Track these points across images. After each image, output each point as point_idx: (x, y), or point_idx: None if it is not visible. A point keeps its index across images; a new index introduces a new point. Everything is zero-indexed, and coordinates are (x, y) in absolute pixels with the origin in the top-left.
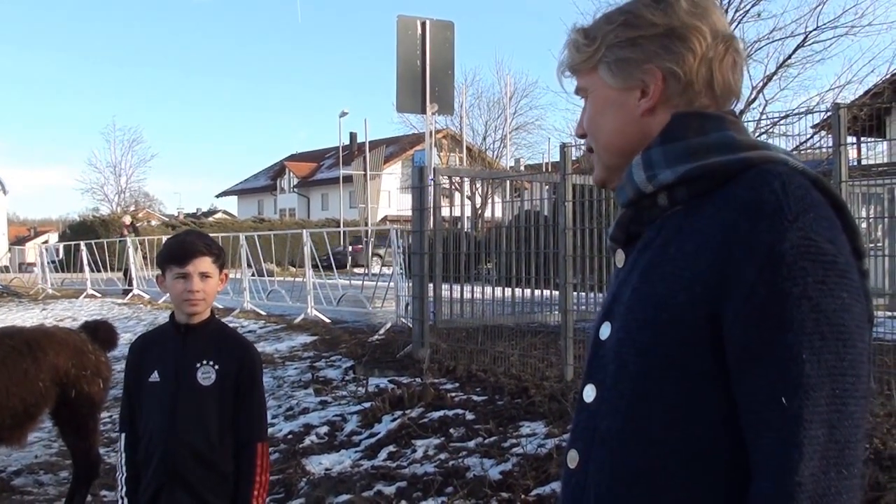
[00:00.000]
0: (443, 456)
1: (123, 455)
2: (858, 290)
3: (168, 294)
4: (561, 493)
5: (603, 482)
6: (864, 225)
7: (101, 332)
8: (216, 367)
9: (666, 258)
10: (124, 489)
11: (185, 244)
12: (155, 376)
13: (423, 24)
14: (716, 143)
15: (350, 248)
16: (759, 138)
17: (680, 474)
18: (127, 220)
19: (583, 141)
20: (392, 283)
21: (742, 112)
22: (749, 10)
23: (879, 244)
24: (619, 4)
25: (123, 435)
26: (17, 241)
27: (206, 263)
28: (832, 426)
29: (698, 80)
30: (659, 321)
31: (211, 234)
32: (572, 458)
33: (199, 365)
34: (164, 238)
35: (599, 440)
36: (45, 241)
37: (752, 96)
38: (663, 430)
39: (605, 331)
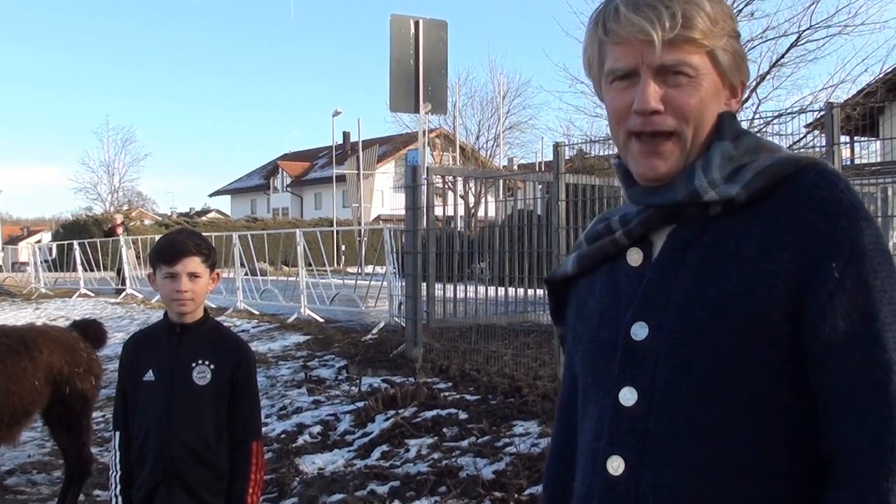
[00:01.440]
0: (436, 455)
1: (117, 453)
2: None
3: (159, 293)
4: (599, 502)
5: (665, 484)
6: None
7: (91, 331)
8: (211, 366)
9: (727, 257)
10: (118, 488)
11: (174, 244)
12: (150, 375)
13: (417, 24)
14: (750, 146)
15: None
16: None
17: (749, 469)
18: (118, 218)
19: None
20: (385, 283)
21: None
22: (742, 9)
23: None
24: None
25: (117, 433)
26: (10, 241)
27: (194, 263)
28: None
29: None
30: (731, 319)
31: (204, 234)
32: (615, 466)
33: (194, 364)
34: (157, 237)
35: (656, 443)
36: (39, 241)
37: (746, 95)
38: (733, 427)
39: (641, 332)
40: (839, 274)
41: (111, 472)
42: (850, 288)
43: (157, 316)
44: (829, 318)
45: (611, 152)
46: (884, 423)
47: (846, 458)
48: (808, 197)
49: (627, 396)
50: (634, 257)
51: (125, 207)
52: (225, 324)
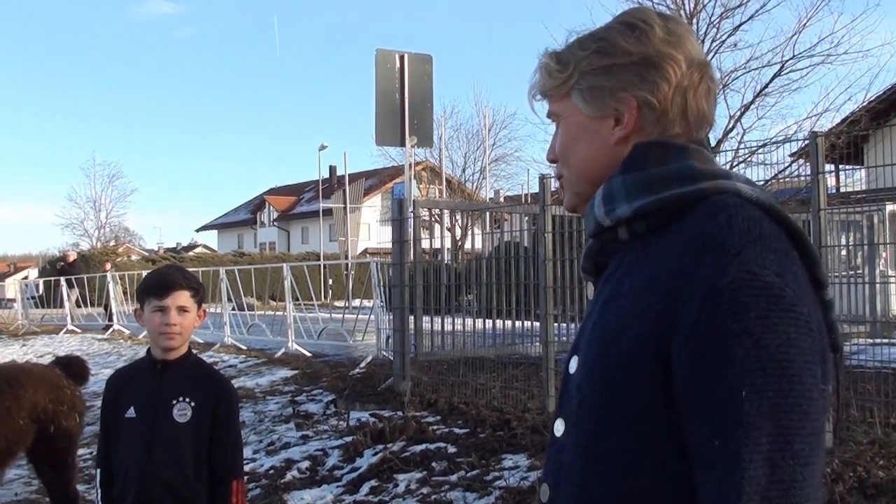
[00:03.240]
0: (425, 490)
1: (99, 491)
2: (808, 324)
3: (146, 327)
4: None
5: None
6: (843, 252)
7: (73, 368)
8: (192, 403)
9: (621, 292)
10: None
11: (164, 277)
12: (131, 412)
13: (402, 58)
14: (676, 174)
15: None
16: (724, 167)
17: None
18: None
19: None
20: (373, 316)
21: (720, 141)
22: (725, 40)
23: (859, 271)
24: (592, 30)
25: (99, 471)
26: None
27: (184, 297)
28: (774, 465)
29: (672, 109)
30: (611, 355)
31: (191, 269)
32: (544, 492)
33: (175, 402)
34: (144, 273)
35: (565, 474)
36: (25, 277)
37: (730, 125)
38: (620, 466)
39: (573, 365)
40: (694, 316)
41: None
42: (704, 332)
43: (143, 352)
44: (685, 364)
45: None
46: (729, 482)
47: None
48: (685, 232)
49: (558, 427)
50: (590, 291)
51: (112, 243)
52: (212, 359)
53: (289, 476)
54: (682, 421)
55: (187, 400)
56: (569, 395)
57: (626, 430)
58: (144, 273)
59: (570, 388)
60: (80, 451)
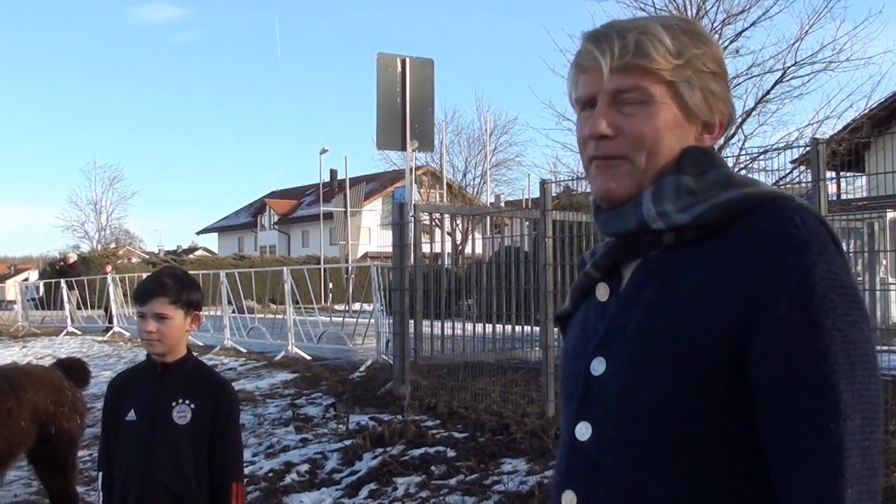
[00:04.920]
0: (424, 494)
1: (100, 494)
2: (869, 322)
3: None
4: None
5: None
6: None
7: (74, 370)
8: (192, 405)
9: (678, 292)
10: None
11: (144, 284)
12: (132, 415)
13: (403, 62)
14: (716, 181)
15: None
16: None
17: None
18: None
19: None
20: (373, 320)
21: (721, 147)
22: (727, 46)
23: (860, 278)
24: (693, 30)
25: (100, 474)
26: None
27: (161, 304)
28: (864, 455)
29: (730, 124)
30: (676, 355)
31: (191, 272)
32: (569, 500)
33: (174, 404)
34: (144, 275)
35: (604, 478)
36: (26, 279)
37: (732, 132)
38: (679, 466)
39: (599, 367)
40: (785, 312)
41: None
42: (795, 327)
43: (143, 354)
44: (774, 358)
45: None
46: (831, 471)
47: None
48: (759, 232)
49: (582, 431)
50: (601, 292)
51: (112, 245)
52: (212, 362)
53: (288, 479)
54: (764, 415)
55: (187, 402)
56: (597, 398)
57: (688, 428)
58: (144, 276)
59: (600, 391)
60: (80, 453)
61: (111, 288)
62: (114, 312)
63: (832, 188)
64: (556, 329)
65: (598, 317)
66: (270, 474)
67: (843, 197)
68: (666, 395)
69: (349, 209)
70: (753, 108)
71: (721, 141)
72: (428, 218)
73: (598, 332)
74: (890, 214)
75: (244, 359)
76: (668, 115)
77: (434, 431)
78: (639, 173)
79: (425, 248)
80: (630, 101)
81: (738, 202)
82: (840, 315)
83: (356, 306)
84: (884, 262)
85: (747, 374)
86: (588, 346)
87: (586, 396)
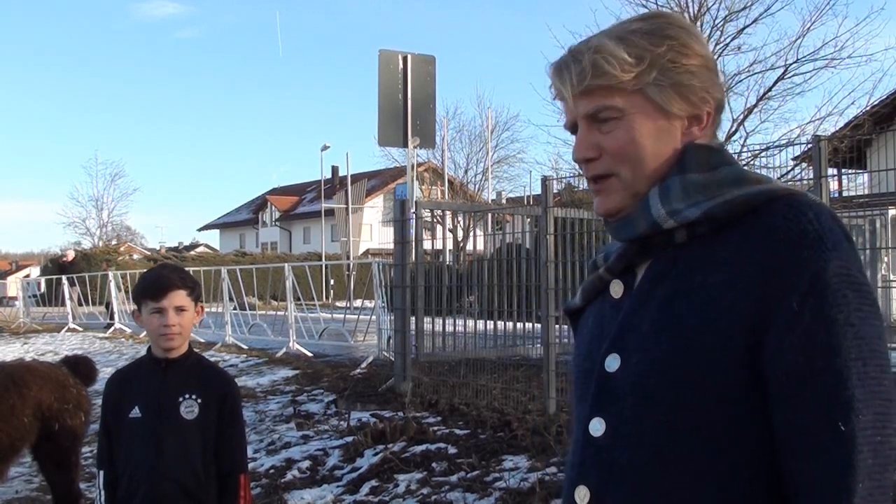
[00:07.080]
0: (425, 490)
1: (103, 493)
2: (882, 319)
3: (145, 329)
4: None
5: None
6: None
7: (81, 367)
8: (199, 400)
9: (693, 288)
10: None
11: (159, 278)
12: (136, 412)
13: (405, 59)
14: (728, 177)
15: None
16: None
17: (710, 501)
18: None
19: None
20: (374, 317)
21: (723, 144)
22: (729, 43)
23: None
24: (655, 27)
25: (102, 472)
26: None
27: (181, 297)
28: (876, 450)
29: (721, 110)
30: (693, 351)
31: (193, 269)
32: (582, 496)
33: (181, 399)
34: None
35: (619, 474)
36: (27, 275)
37: (734, 129)
38: (695, 461)
39: (614, 363)
40: (798, 307)
41: None
42: (809, 322)
43: (144, 350)
44: (788, 354)
45: None
46: (842, 466)
47: (804, 500)
48: (773, 228)
49: (596, 427)
50: (616, 290)
51: (114, 242)
52: (213, 358)
53: (289, 476)
54: (778, 409)
55: (194, 397)
56: (611, 394)
57: (706, 423)
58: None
59: (614, 387)
60: (83, 450)
61: (112, 285)
62: (115, 309)
63: (834, 185)
64: (559, 325)
65: (612, 314)
66: (272, 471)
67: (845, 194)
68: (681, 390)
69: (350, 206)
70: (755, 105)
71: (722, 137)
72: (429, 215)
73: (613, 329)
74: (891, 211)
75: (245, 355)
76: (646, 122)
77: (435, 428)
78: (629, 185)
79: (427, 245)
80: (605, 118)
81: (751, 198)
82: (853, 310)
83: (357, 303)
84: (885, 259)
85: (761, 368)
86: (602, 343)
87: (600, 393)
